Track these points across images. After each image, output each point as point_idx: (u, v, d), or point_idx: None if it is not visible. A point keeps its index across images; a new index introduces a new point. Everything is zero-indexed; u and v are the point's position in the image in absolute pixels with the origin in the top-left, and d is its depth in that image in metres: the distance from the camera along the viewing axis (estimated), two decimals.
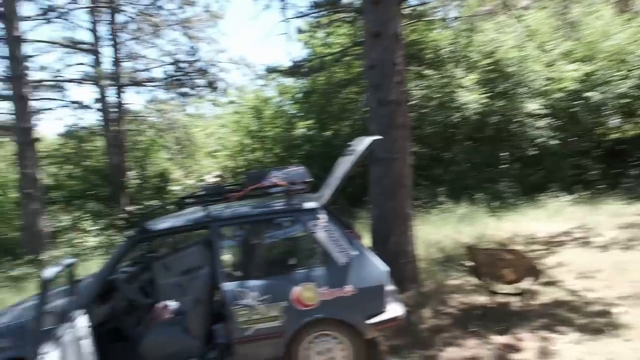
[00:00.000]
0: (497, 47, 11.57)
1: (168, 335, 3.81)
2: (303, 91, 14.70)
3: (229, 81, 14.62)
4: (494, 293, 4.83)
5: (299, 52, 13.90)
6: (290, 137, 14.61)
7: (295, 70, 11.07)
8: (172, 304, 4.44)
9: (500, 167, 11.85)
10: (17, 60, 10.21)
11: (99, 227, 12.19)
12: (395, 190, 5.39)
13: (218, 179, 16.49)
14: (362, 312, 3.60)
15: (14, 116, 10.55)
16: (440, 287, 5.58)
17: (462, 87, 11.19)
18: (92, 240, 11.27)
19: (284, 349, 3.59)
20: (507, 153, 12.06)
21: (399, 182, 5.40)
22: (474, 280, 5.35)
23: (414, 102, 11.17)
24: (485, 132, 11.90)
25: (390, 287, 3.74)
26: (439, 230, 8.24)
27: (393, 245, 5.38)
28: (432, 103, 11.36)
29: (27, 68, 10.83)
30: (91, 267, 8.71)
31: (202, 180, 16.56)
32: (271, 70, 11.76)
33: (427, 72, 11.71)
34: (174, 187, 16.11)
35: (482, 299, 5.10)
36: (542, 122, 11.41)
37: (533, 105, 11.26)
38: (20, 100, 10.22)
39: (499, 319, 4.54)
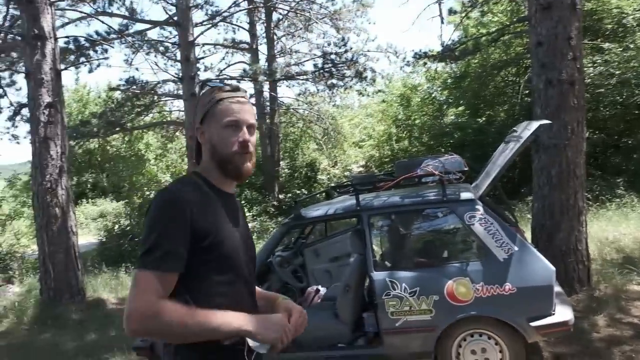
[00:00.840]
0: None
1: (318, 320, 3.82)
2: (454, 76, 14.06)
3: (376, 70, 14.63)
4: None
5: (451, 35, 13.25)
6: (439, 125, 14.14)
7: (446, 55, 10.59)
8: (323, 289, 4.58)
9: None
10: (190, 63, 11.49)
11: (253, 213, 13.36)
12: (565, 181, 4.83)
13: (362, 169, 16.76)
14: (525, 313, 3.31)
15: (185, 113, 11.84)
16: (618, 293, 4.87)
17: None
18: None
19: (435, 343, 3.48)
20: None
21: (570, 172, 4.82)
22: None
23: (587, 80, 9.86)
24: None
25: (557, 289, 3.37)
26: (617, 228, 7.20)
27: (560, 242, 4.86)
28: (611, 81, 9.88)
29: (197, 69, 12.21)
30: None
31: (349, 170, 17.01)
32: (420, 56, 11.44)
33: (606, 45, 10.21)
34: (322, 177, 16.85)
35: None
36: None
37: None
38: (192, 98, 11.31)
39: None
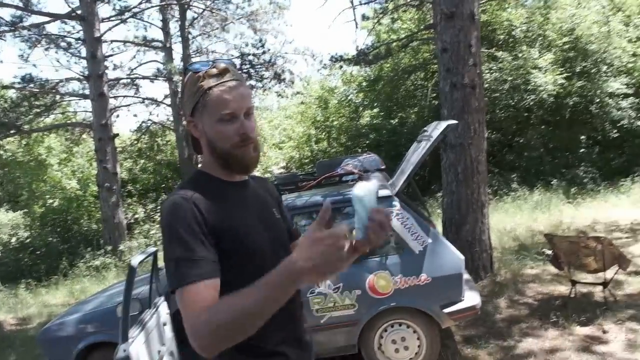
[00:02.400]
0: (577, 24, 10.84)
1: None
2: (369, 79, 14.61)
3: (295, 72, 14.76)
4: (576, 282, 4.61)
5: (365, 40, 13.76)
6: (356, 126, 14.61)
7: (360, 59, 11.02)
8: None
9: (578, 151, 11.16)
10: (97, 60, 10.80)
11: None
12: (470, 177, 5.27)
13: (283, 170, 16.83)
14: (438, 301, 3.56)
15: (92, 114, 11.09)
16: (516, 277, 5.41)
17: (537, 68, 10.62)
18: None
19: (358, 336, 3.62)
20: (585, 137, 11.34)
21: (474, 169, 5.27)
22: (552, 269, 5.15)
23: (485, 85, 10.77)
24: (562, 115, 11.25)
25: (466, 276, 3.68)
26: (513, 219, 7.96)
27: (467, 233, 5.28)
28: (505, 86, 10.89)
29: (106, 67, 11.49)
30: None
31: (269, 172, 16.98)
32: (336, 59, 11.78)
33: (499, 54, 11.22)
34: None
35: (561, 289, 4.89)
36: (625, 103, 10.60)
37: (615, 85, 10.48)
38: (100, 98, 10.79)
39: (581, 309, 4.34)
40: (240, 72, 1.31)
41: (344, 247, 0.96)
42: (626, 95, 10.70)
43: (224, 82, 1.22)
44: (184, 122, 1.24)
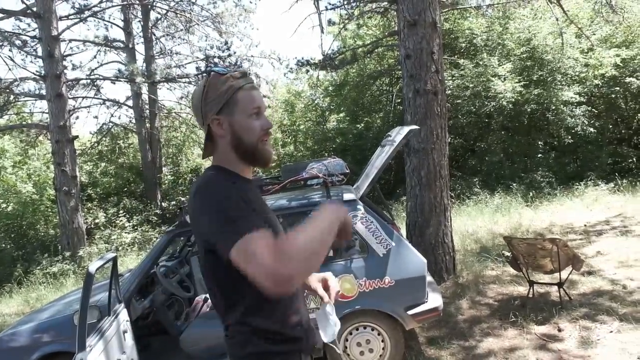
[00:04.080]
0: (534, 34, 11.28)
1: (207, 329, 3.72)
2: (335, 84, 14.70)
3: (261, 75, 14.67)
4: (533, 283, 4.78)
5: (330, 45, 13.86)
6: (322, 131, 14.67)
7: (326, 63, 11.08)
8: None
9: (536, 156, 11.59)
10: (55, 59, 10.45)
11: (133, 223, 12.52)
12: (432, 181, 5.38)
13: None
14: (402, 303, 3.61)
15: (49, 115, 10.71)
16: (477, 278, 5.55)
17: (497, 76, 10.99)
18: (127, 236, 11.56)
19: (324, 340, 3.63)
20: (542, 142, 11.79)
21: (436, 173, 5.38)
22: (511, 270, 5.31)
23: (448, 92, 11.03)
24: (520, 121, 11.66)
25: (429, 278, 3.74)
26: (474, 221, 8.17)
27: (430, 236, 5.39)
28: (466, 93, 11.19)
29: (64, 67, 11.10)
30: (127, 263, 9.02)
31: None
32: (302, 63, 11.81)
33: (461, 61, 11.53)
34: None
35: (520, 289, 5.06)
36: (578, 110, 11.10)
37: (569, 93, 10.96)
38: (57, 99, 10.44)
39: (539, 309, 4.50)
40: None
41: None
42: (579, 103, 11.21)
43: (249, 82, 1.37)
44: (209, 120, 1.34)
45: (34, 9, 10.42)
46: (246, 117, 1.33)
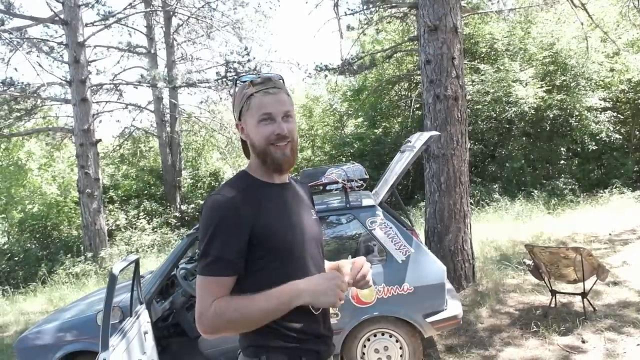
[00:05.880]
0: (557, 39, 11.11)
1: None
2: (353, 89, 14.70)
3: None
4: (556, 292, 4.68)
5: (349, 50, 13.87)
6: (340, 135, 14.67)
7: (345, 68, 11.10)
8: None
9: (558, 163, 11.39)
10: (80, 65, 10.70)
11: (153, 225, 12.71)
12: (452, 187, 5.33)
13: None
14: (421, 310, 3.57)
15: (74, 119, 10.95)
16: (497, 286, 5.47)
17: (518, 81, 10.84)
18: (147, 238, 11.74)
19: (341, 345, 3.61)
20: (565, 149, 11.58)
21: (456, 179, 5.33)
22: (532, 279, 5.21)
23: (468, 97, 10.94)
24: (542, 127, 11.48)
25: (448, 286, 3.70)
26: (494, 229, 8.05)
27: (449, 243, 5.33)
28: (487, 98, 11.07)
29: (89, 72, 11.37)
30: (147, 264, 9.15)
31: None
32: (321, 68, 11.85)
33: (482, 66, 11.42)
34: None
35: (542, 299, 4.96)
36: (603, 116, 10.87)
37: (594, 99, 10.75)
38: (82, 103, 10.69)
39: (561, 319, 4.41)
40: (282, 82, 1.46)
41: (344, 290, 1.30)
42: (604, 109, 10.98)
43: (266, 89, 1.38)
44: (236, 125, 1.49)
45: (62, 16, 10.70)
46: (255, 123, 1.37)
